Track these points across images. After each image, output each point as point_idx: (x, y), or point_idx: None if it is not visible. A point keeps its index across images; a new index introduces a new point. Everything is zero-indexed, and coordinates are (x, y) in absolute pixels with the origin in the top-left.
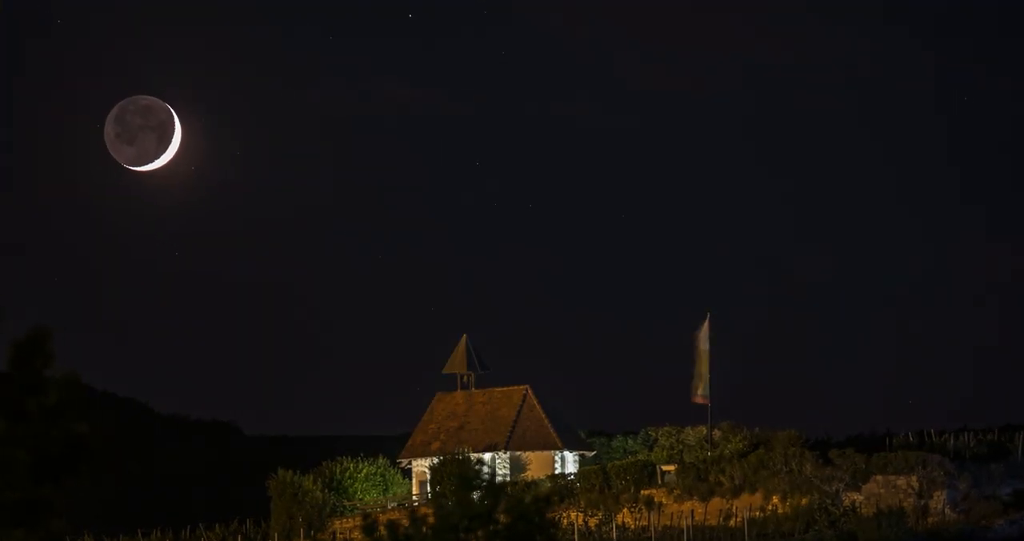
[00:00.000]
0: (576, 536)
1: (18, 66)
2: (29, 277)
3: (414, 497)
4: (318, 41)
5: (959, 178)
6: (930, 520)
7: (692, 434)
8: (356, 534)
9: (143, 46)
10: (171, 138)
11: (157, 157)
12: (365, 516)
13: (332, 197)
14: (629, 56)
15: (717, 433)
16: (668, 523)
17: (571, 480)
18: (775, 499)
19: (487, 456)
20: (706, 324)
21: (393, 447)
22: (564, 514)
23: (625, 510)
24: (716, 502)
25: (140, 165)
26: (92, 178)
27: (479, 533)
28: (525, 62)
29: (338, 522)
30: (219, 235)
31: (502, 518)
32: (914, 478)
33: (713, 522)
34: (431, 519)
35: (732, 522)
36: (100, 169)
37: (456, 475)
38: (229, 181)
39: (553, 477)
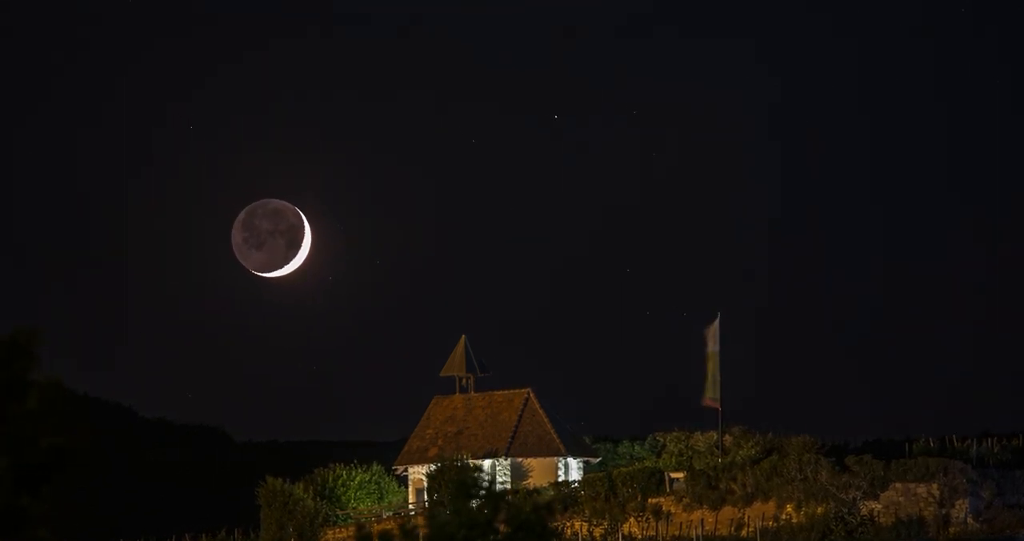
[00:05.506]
0: None
1: (148, 169)
2: (150, 383)
3: (410, 506)
4: None
5: (966, 182)
6: (951, 530)
7: (702, 440)
8: None
9: (273, 148)
10: (301, 243)
11: (286, 263)
12: (359, 526)
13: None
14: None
15: (728, 439)
16: (677, 533)
17: (575, 488)
18: (789, 508)
19: (487, 463)
20: (715, 324)
21: (388, 453)
22: (567, 523)
23: (631, 519)
24: (727, 511)
25: (268, 271)
26: (219, 283)
27: None
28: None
29: (331, 532)
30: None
31: (502, 528)
32: (935, 486)
33: (724, 532)
34: (427, 529)
35: (744, 532)
36: (228, 274)
37: (454, 483)
38: (364, 289)
39: (556, 485)
